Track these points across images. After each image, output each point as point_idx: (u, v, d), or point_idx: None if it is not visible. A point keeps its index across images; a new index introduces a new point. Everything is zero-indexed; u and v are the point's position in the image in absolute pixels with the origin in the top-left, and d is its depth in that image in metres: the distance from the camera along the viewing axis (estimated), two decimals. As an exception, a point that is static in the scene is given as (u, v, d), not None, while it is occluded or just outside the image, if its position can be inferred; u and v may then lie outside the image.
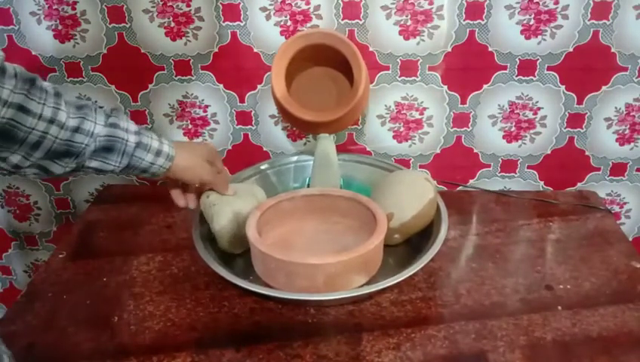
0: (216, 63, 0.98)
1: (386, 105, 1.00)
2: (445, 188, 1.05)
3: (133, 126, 0.71)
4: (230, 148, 1.06)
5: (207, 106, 1.03)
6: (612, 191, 1.06)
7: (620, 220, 1.09)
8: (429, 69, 0.96)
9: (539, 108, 0.98)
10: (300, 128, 1.00)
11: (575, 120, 0.99)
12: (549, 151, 1.02)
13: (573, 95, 0.96)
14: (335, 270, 0.70)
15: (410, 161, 1.06)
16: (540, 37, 0.91)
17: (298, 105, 0.86)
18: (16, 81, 0.60)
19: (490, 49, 0.93)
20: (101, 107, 0.70)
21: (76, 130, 0.66)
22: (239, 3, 0.92)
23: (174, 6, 0.93)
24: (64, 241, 0.93)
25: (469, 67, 0.95)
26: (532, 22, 0.90)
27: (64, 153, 0.66)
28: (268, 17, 0.93)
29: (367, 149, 1.05)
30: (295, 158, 1.02)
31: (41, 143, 0.63)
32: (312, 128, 0.92)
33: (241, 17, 0.93)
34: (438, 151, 1.04)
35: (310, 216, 0.85)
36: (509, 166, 1.05)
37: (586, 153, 1.02)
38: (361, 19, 0.92)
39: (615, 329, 0.71)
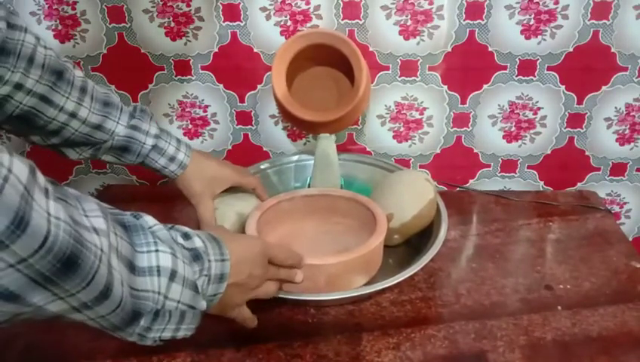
0: (216, 63, 0.98)
1: (386, 105, 1.00)
2: (445, 189, 1.05)
3: (154, 129, 0.73)
4: (230, 148, 1.06)
5: (207, 106, 1.03)
6: (612, 191, 1.06)
7: (620, 220, 1.09)
8: (429, 69, 0.95)
9: (539, 108, 0.98)
10: (300, 128, 1.00)
11: (575, 120, 0.99)
12: (549, 151, 1.02)
13: (573, 95, 0.96)
14: (336, 270, 0.70)
15: (410, 161, 1.06)
16: (540, 37, 0.91)
17: (299, 105, 0.86)
18: (43, 72, 0.61)
19: (490, 49, 0.93)
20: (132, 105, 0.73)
21: (97, 127, 0.68)
22: (239, 3, 0.92)
23: (174, 6, 0.93)
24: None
25: (469, 67, 0.95)
26: (532, 22, 0.90)
27: (81, 143, 0.68)
28: (268, 17, 0.93)
29: (367, 149, 1.05)
30: (295, 158, 1.02)
31: (60, 132, 0.66)
32: (312, 128, 0.92)
33: (241, 17, 0.93)
34: (438, 151, 1.04)
35: (310, 217, 0.86)
36: (509, 166, 1.05)
37: (586, 153, 1.02)
38: (361, 19, 0.92)
39: (615, 329, 0.71)
